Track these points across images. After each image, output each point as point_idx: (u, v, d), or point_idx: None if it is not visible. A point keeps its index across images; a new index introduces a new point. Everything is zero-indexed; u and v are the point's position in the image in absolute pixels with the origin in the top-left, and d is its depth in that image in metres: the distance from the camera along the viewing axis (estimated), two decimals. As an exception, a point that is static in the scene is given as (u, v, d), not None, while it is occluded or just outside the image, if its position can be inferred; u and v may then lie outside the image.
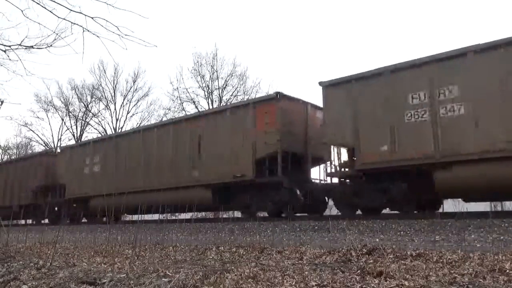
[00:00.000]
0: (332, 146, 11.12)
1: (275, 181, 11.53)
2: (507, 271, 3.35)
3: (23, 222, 20.75)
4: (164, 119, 31.12)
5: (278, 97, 11.80)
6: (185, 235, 9.52)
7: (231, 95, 30.75)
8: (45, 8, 5.36)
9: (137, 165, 15.45)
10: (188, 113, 29.50)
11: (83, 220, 18.64)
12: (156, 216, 13.69)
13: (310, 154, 12.36)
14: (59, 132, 39.34)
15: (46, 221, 19.59)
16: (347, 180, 11.25)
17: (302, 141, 12.31)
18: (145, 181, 14.91)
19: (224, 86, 30.83)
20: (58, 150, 21.22)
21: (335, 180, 11.56)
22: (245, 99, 27.81)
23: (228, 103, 28.36)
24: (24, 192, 20.26)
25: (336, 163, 11.09)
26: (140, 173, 15.23)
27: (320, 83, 11.14)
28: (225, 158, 12.49)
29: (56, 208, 19.80)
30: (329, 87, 10.98)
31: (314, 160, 12.58)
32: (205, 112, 14.14)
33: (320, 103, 11.76)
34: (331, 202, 12.11)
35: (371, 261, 4.05)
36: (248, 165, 11.92)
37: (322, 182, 12.60)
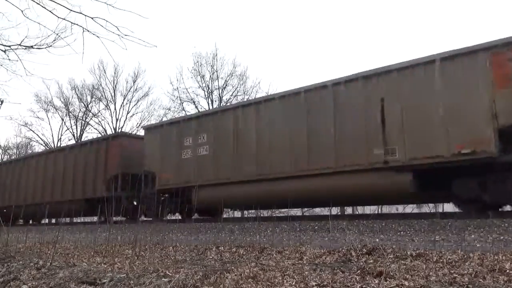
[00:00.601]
0: None
1: None
2: (507, 271, 3.35)
3: (86, 219, 17.18)
4: (164, 119, 31.05)
5: None
6: (185, 235, 9.52)
7: (231, 95, 30.76)
8: (45, 8, 5.36)
9: (274, 144, 11.30)
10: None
11: (172, 217, 14.87)
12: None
13: None
14: (59, 132, 39.37)
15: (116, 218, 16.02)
16: None
17: None
18: (290, 165, 10.93)
19: (224, 86, 30.82)
20: (142, 130, 16.73)
21: None
22: (245, 99, 27.66)
23: (229, 103, 28.29)
24: (92, 183, 16.47)
25: None
26: (274, 154, 11.23)
27: None
28: (436, 128, 8.92)
29: (134, 202, 15.92)
30: None
31: None
32: (391, 68, 9.74)
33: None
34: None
35: (371, 261, 4.06)
36: (484, 136, 8.41)
37: None
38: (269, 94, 12.18)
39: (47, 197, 18.21)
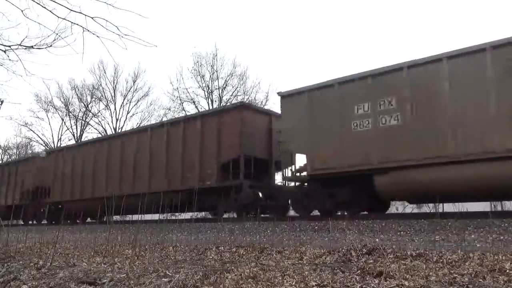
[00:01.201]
0: None
1: None
2: (507, 271, 3.35)
3: (187, 215, 12.45)
4: (164, 119, 30.94)
5: None
6: (185, 235, 9.52)
7: (231, 95, 30.80)
8: (45, 8, 5.35)
9: None
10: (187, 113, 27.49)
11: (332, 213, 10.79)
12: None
13: None
14: (59, 132, 39.39)
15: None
16: None
17: None
18: None
19: (224, 86, 30.87)
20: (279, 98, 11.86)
21: None
22: (245, 99, 27.76)
23: (229, 103, 28.26)
24: (198, 169, 12.80)
25: None
26: None
27: None
28: None
29: (260, 194, 12.61)
30: None
31: None
32: None
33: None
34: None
35: (371, 261, 4.05)
36: None
37: None
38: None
39: (125, 189, 14.36)
